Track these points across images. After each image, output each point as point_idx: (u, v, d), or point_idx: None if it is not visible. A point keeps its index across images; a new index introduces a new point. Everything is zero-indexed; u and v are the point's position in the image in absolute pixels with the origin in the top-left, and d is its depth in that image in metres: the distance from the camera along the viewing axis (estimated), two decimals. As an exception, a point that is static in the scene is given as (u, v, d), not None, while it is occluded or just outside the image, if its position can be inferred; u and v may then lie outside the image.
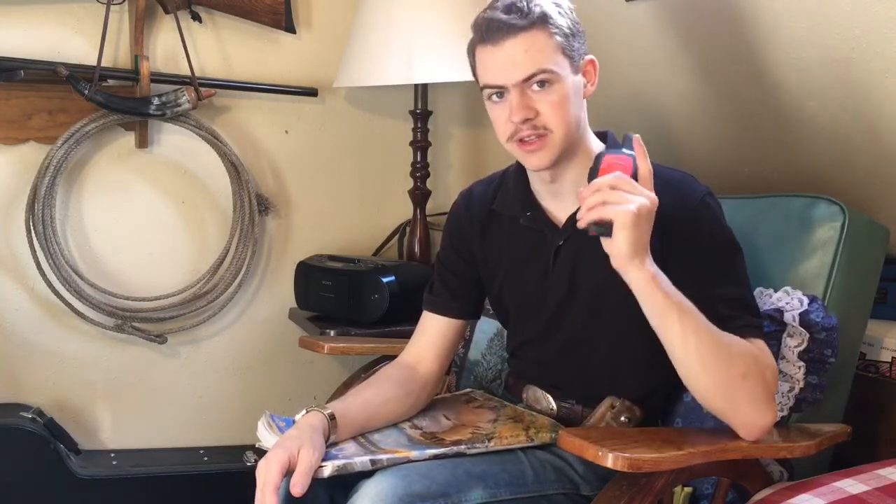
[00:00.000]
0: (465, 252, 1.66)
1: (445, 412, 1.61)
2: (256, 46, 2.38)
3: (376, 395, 1.55)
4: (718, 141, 2.17)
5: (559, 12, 1.43)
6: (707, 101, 2.11)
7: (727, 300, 1.40)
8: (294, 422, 1.44)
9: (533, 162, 1.48)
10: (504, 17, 1.41)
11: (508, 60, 1.42)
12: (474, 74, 1.52)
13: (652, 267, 1.31)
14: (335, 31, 2.42)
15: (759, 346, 1.39)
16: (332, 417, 1.43)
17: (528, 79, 1.42)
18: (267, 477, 1.32)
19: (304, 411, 1.45)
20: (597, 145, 1.54)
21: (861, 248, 1.66)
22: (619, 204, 1.27)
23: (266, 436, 1.44)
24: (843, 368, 1.62)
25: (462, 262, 1.66)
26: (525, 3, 1.41)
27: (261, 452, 1.43)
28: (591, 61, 1.49)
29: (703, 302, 1.40)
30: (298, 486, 1.30)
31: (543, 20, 1.41)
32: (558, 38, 1.42)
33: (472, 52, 1.49)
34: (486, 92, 1.47)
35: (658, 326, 1.33)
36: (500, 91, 1.45)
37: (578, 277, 1.53)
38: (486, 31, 1.43)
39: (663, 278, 1.32)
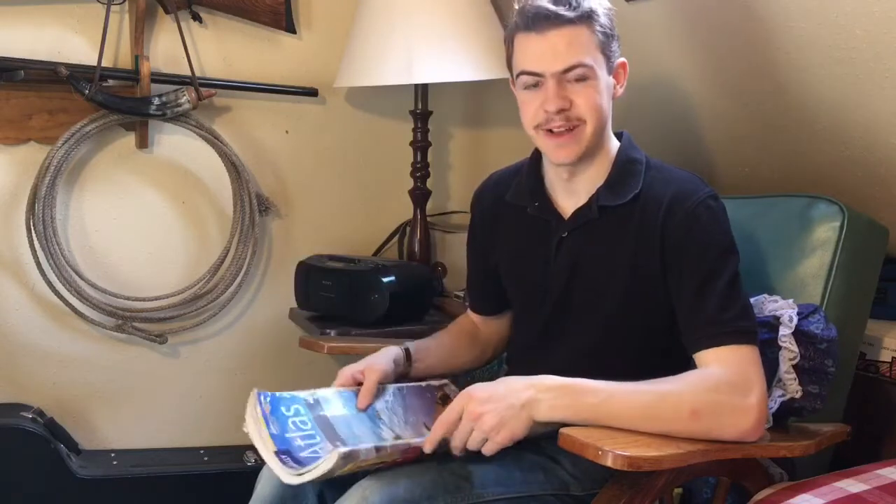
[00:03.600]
0: (481, 241, 1.71)
1: (424, 419, 1.60)
2: (257, 46, 2.38)
3: (450, 339, 1.74)
4: (718, 141, 2.17)
5: (604, 12, 1.48)
6: (707, 101, 2.11)
7: (710, 307, 1.41)
8: (272, 399, 1.52)
9: (560, 156, 1.50)
10: (552, 7, 1.45)
11: (550, 50, 1.46)
12: (508, 63, 1.55)
13: (547, 398, 1.32)
14: (335, 31, 2.42)
15: (721, 358, 1.39)
16: (408, 355, 1.64)
17: (567, 70, 1.45)
18: (371, 373, 1.54)
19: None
20: (614, 145, 1.57)
21: (860, 247, 1.67)
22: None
23: (252, 424, 1.45)
24: (842, 368, 1.62)
25: (480, 254, 1.72)
26: None
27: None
28: (623, 64, 1.53)
29: (688, 306, 1.43)
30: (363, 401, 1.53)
31: (590, 16, 1.46)
32: (600, 36, 1.47)
33: (510, 40, 1.52)
34: (522, 79, 1.50)
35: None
36: (536, 81, 1.48)
37: (578, 270, 1.54)
38: (533, 20, 1.46)
39: (567, 395, 1.33)
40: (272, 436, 1.43)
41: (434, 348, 1.71)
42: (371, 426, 1.53)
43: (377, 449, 1.35)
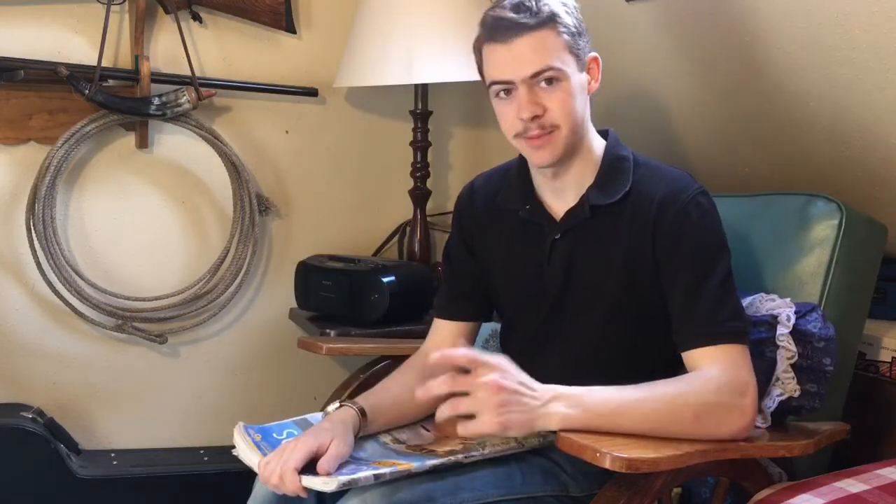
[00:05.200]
0: (470, 244, 1.67)
1: (423, 423, 1.61)
2: (256, 46, 2.38)
3: (403, 391, 1.57)
4: (718, 140, 2.17)
5: (566, 11, 1.46)
6: (707, 100, 2.11)
7: (703, 305, 1.41)
8: (261, 429, 1.48)
9: (539, 158, 1.49)
10: (514, 16, 1.43)
11: (518, 58, 1.44)
12: (480, 72, 1.54)
13: (561, 409, 1.29)
14: (335, 31, 2.42)
15: (715, 358, 1.39)
16: (363, 414, 1.48)
17: (536, 75, 1.44)
18: (291, 456, 1.36)
19: (337, 404, 1.50)
20: (598, 143, 1.55)
21: (859, 246, 1.66)
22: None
23: (242, 446, 1.45)
24: (841, 368, 1.62)
25: (471, 257, 1.67)
26: (534, 3, 1.44)
27: None
28: (595, 59, 1.52)
29: (681, 304, 1.43)
30: (326, 467, 1.35)
31: (552, 19, 1.44)
32: (566, 36, 1.45)
33: (478, 50, 1.51)
34: (494, 88, 1.49)
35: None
36: (508, 88, 1.47)
37: (573, 272, 1.53)
38: (496, 30, 1.45)
39: (578, 406, 1.30)
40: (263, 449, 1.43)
41: (389, 405, 1.56)
42: None
43: (376, 477, 1.35)
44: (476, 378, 1.29)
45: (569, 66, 1.45)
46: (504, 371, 1.30)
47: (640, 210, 1.48)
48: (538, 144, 1.47)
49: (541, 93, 1.45)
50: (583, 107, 1.49)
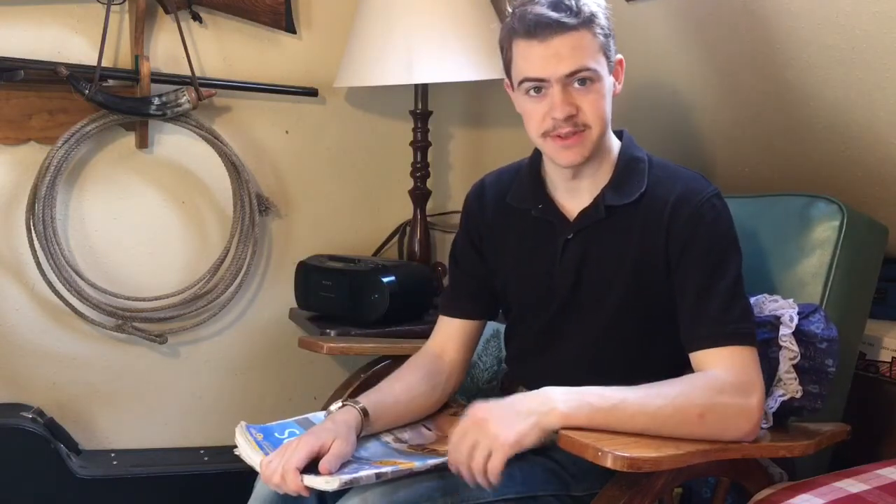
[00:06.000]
0: (478, 244, 1.67)
1: (424, 422, 1.61)
2: (256, 46, 2.38)
3: (406, 390, 1.59)
4: (719, 140, 2.17)
5: (602, 13, 1.46)
6: (707, 101, 2.11)
7: (713, 306, 1.42)
8: (263, 429, 1.49)
9: (567, 158, 1.48)
10: (554, 14, 1.42)
11: (554, 56, 1.43)
12: (507, 68, 1.52)
13: (559, 405, 1.30)
14: (335, 31, 2.42)
15: (723, 359, 1.39)
16: (365, 413, 1.48)
17: (571, 74, 1.43)
18: (293, 455, 1.36)
19: (339, 404, 1.50)
20: (614, 144, 1.56)
21: (860, 247, 1.67)
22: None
23: (244, 446, 1.45)
24: (842, 368, 1.62)
25: (477, 257, 1.67)
26: (574, 2, 1.42)
27: None
28: (620, 61, 1.52)
29: (692, 304, 1.43)
30: (328, 466, 1.35)
31: (592, 20, 1.44)
32: (601, 38, 1.45)
33: (507, 46, 1.49)
34: (525, 86, 1.48)
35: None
36: (539, 86, 1.46)
37: (585, 271, 1.53)
38: (534, 27, 1.43)
39: (576, 401, 1.31)
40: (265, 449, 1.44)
41: (391, 404, 1.56)
42: None
43: (378, 476, 1.35)
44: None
45: (602, 67, 1.45)
46: (473, 406, 1.33)
47: (655, 211, 1.48)
48: (569, 144, 1.46)
49: (574, 93, 1.44)
50: (610, 108, 1.49)
